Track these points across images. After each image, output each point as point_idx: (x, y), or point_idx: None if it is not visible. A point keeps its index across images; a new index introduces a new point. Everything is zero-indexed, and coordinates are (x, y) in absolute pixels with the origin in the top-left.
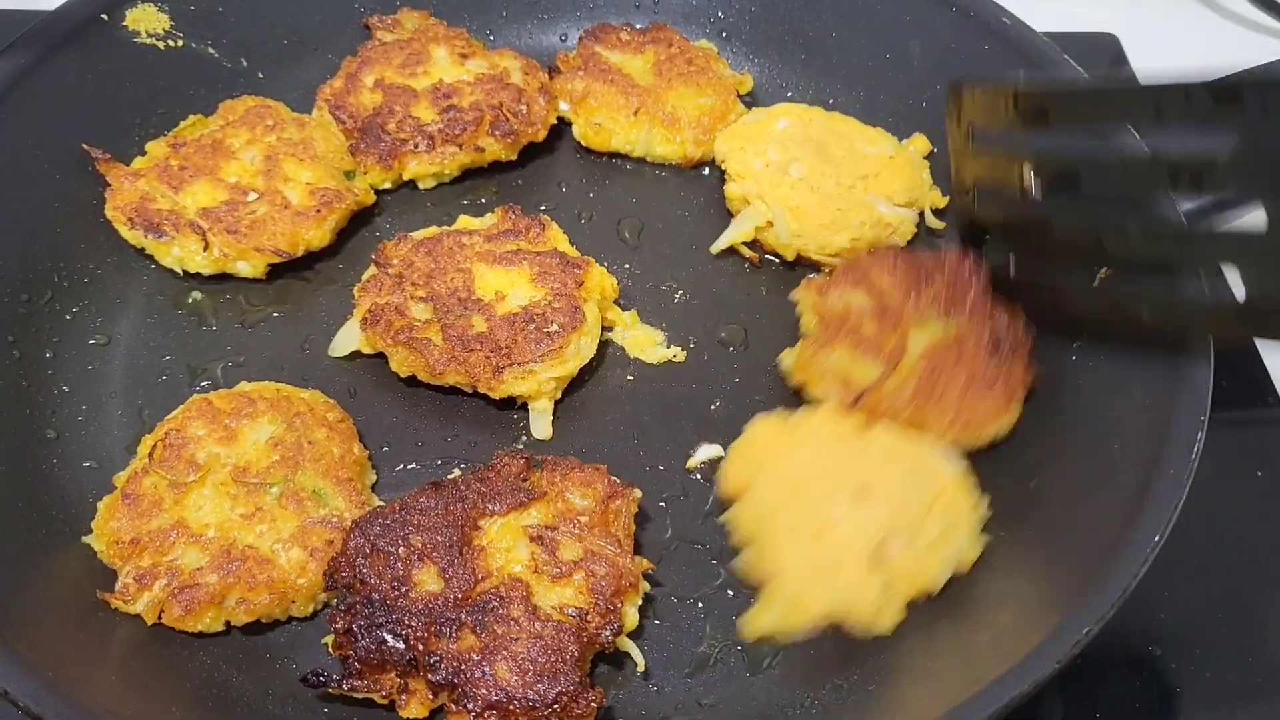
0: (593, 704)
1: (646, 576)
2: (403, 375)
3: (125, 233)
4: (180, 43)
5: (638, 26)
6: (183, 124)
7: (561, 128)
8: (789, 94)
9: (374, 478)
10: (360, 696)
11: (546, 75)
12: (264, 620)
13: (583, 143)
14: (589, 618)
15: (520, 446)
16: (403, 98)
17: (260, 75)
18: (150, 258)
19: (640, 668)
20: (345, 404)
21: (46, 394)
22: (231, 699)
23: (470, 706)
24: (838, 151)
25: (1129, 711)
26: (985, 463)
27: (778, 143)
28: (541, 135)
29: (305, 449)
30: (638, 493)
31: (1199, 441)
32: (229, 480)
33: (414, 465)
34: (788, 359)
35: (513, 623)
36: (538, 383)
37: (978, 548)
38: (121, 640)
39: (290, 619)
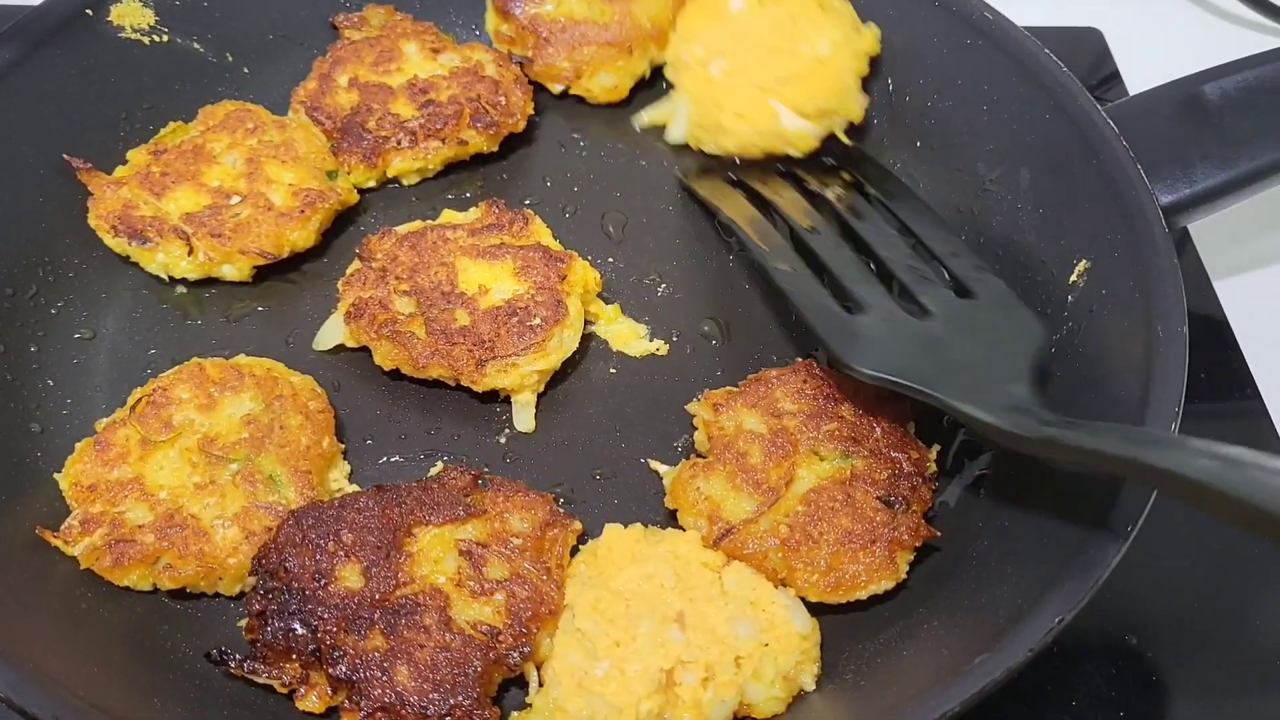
0: None
1: None
2: (386, 369)
3: (109, 241)
4: (165, 38)
5: None
6: (163, 131)
7: (537, 120)
8: None
9: (343, 471)
10: (261, 681)
11: (518, 68)
12: (190, 590)
13: (605, 101)
14: (501, 638)
15: (503, 440)
16: (380, 95)
17: (246, 71)
18: (135, 264)
19: (530, 697)
20: (329, 397)
21: (31, 388)
22: (160, 650)
23: (363, 705)
24: (772, 43)
25: (1106, 699)
26: (961, 448)
27: (715, 32)
28: (521, 126)
29: (275, 433)
30: (578, 525)
31: (1174, 432)
32: (195, 448)
33: (397, 458)
34: (667, 477)
35: (423, 630)
36: (520, 376)
37: (777, 702)
38: (59, 582)
39: (218, 594)
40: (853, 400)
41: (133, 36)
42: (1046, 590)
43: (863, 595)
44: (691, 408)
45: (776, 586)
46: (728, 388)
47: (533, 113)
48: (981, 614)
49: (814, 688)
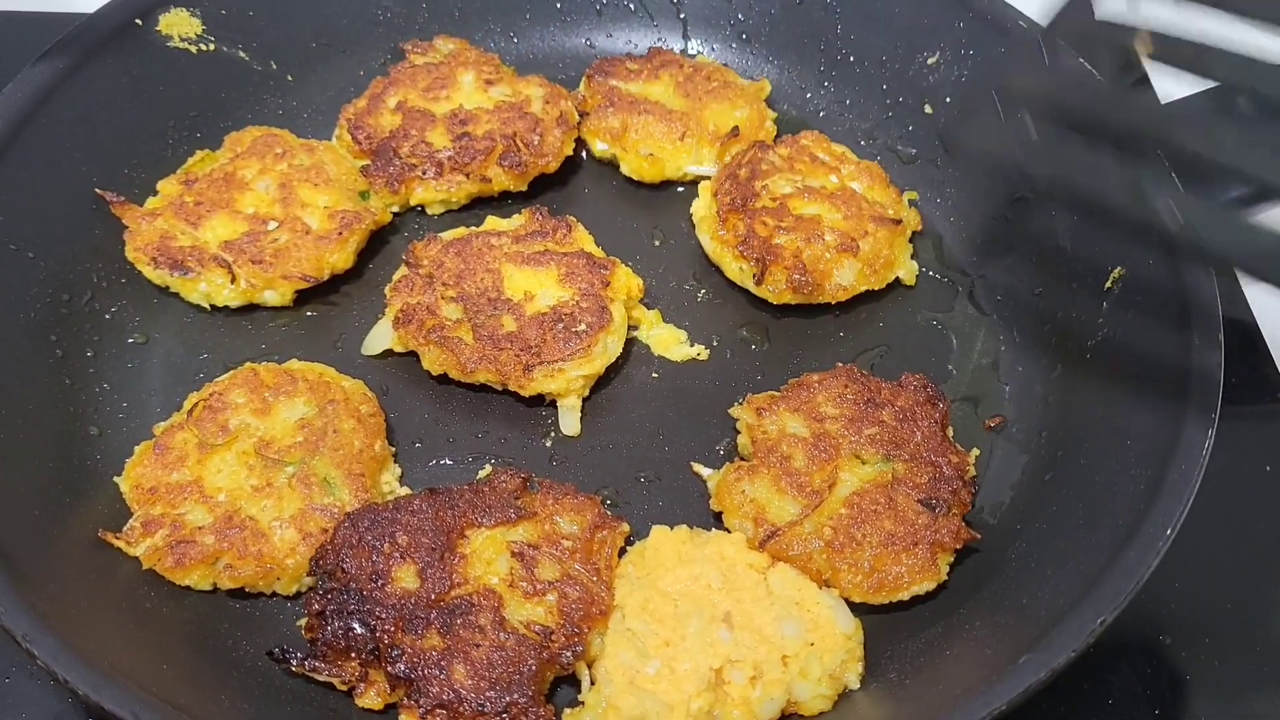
0: None
1: None
2: (434, 373)
3: (149, 273)
4: (212, 46)
5: (639, 54)
6: (190, 160)
7: (576, 160)
8: (807, 95)
9: (394, 474)
10: (321, 679)
11: (570, 105)
12: (248, 590)
13: (635, 177)
14: (553, 637)
15: (549, 443)
16: (420, 121)
17: (290, 79)
18: (175, 295)
19: (583, 695)
20: (378, 401)
21: (89, 392)
22: (222, 648)
23: (421, 702)
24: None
25: (1140, 698)
26: (999, 452)
27: None
28: (553, 167)
29: (329, 436)
30: (625, 527)
31: (1209, 437)
32: (251, 451)
33: (446, 461)
34: (711, 480)
35: (478, 630)
36: (567, 380)
37: (824, 700)
38: (122, 581)
39: (274, 594)
40: (893, 405)
41: (180, 46)
42: (1087, 591)
43: (905, 596)
44: (734, 411)
45: (821, 587)
46: (770, 392)
47: (570, 154)
48: (1023, 614)
49: (859, 685)
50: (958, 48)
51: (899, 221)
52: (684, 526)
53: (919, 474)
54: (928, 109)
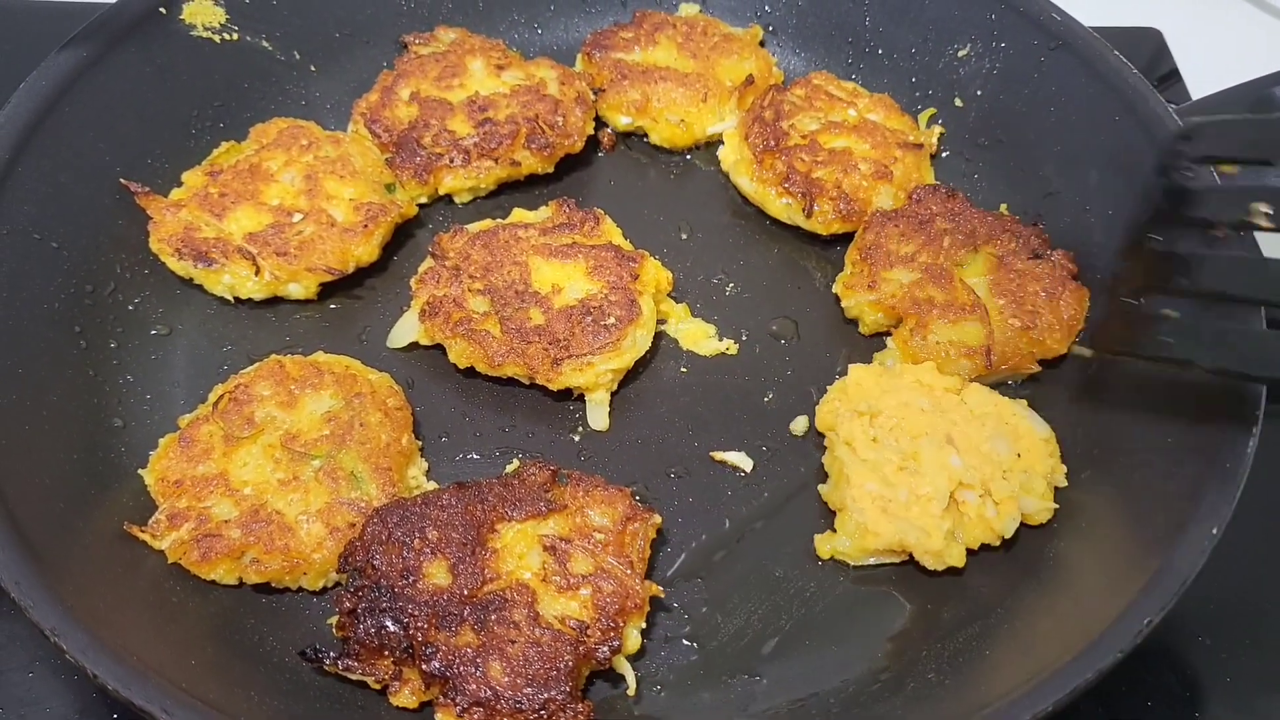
0: (579, 716)
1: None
2: (461, 366)
3: (172, 264)
4: (235, 36)
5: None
6: (216, 151)
7: (597, 139)
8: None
9: (421, 468)
10: (354, 678)
11: (585, 84)
12: (274, 585)
13: (666, 146)
14: (589, 632)
15: (577, 438)
16: (438, 111)
17: (313, 69)
18: (198, 287)
19: (630, 690)
20: (404, 394)
21: (112, 383)
22: (249, 644)
23: (458, 701)
24: None
25: (1180, 699)
26: None
27: None
28: (578, 147)
29: (356, 430)
30: (657, 519)
31: (1255, 434)
32: (277, 444)
33: (474, 455)
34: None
35: (513, 626)
36: (595, 374)
37: (1049, 510)
38: (147, 574)
39: (300, 589)
40: (944, 217)
41: (204, 35)
42: (1133, 591)
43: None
44: (851, 305)
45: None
46: (841, 280)
47: (593, 133)
48: (1064, 615)
49: (1067, 484)
50: (989, 40)
51: (920, 146)
52: (875, 364)
53: (1006, 244)
54: (958, 102)
